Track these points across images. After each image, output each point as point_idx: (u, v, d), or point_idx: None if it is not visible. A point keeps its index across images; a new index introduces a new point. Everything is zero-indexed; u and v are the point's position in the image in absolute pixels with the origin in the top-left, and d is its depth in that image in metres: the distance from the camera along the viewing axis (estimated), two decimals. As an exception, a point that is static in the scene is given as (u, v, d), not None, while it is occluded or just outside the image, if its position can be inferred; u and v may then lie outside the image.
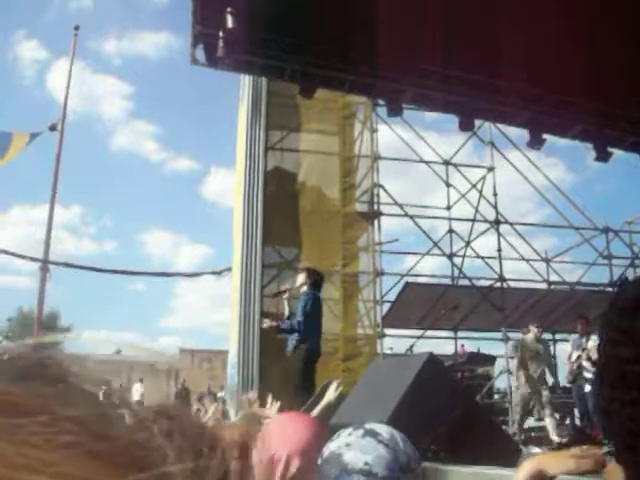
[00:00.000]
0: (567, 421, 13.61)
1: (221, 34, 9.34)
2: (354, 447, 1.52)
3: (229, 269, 15.88)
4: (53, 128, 18.37)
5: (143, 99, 74.77)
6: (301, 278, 8.45)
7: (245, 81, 13.74)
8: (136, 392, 23.04)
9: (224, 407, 13.37)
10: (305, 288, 8.26)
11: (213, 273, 20.84)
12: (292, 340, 8.09)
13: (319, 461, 1.57)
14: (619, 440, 0.65)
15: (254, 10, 9.38)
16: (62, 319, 41.65)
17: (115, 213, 71.29)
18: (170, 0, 63.06)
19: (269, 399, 4.50)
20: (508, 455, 3.43)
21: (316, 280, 8.41)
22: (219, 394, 17.87)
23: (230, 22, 8.98)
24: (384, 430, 1.58)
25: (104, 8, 70.11)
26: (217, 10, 9.08)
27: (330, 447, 1.56)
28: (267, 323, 8.94)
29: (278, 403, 4.43)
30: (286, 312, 8.53)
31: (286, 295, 8.84)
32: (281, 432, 1.87)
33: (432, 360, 3.24)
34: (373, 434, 1.54)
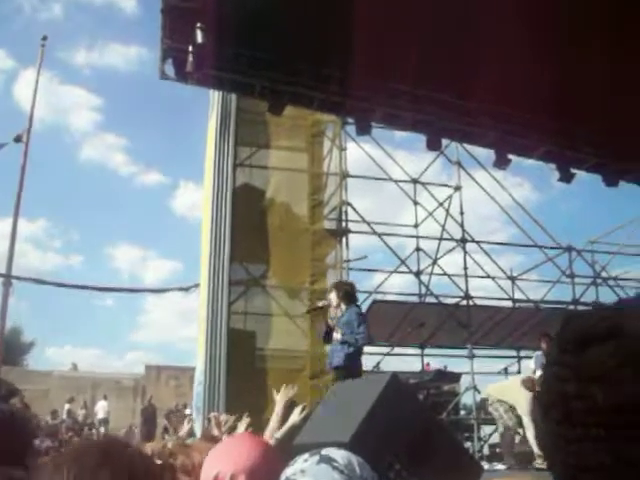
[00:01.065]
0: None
1: (190, 49, 9.34)
2: (308, 473, 1.52)
3: (197, 285, 15.80)
4: (18, 139, 18.06)
5: (112, 111, 74.09)
6: (333, 297, 7.85)
7: (214, 96, 13.73)
8: (101, 409, 22.69)
9: (191, 425, 13.25)
10: (343, 305, 7.68)
11: (180, 289, 20.71)
12: (340, 354, 7.46)
13: None
14: (562, 475, 0.66)
15: (224, 25, 9.40)
16: (25, 334, 41.05)
17: (82, 227, 70.24)
18: (141, 13, 62.68)
19: (244, 418, 4.48)
20: (470, 474, 3.46)
21: (347, 292, 7.89)
22: (187, 411, 17.70)
23: (200, 37, 8.98)
24: (340, 456, 1.58)
25: (74, 19, 69.37)
26: (187, 25, 9.07)
27: (286, 472, 1.56)
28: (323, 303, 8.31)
29: (246, 421, 4.42)
30: (324, 327, 7.96)
31: (318, 310, 8.68)
32: (227, 453, 1.87)
33: (395, 380, 3.26)
34: (328, 460, 1.54)
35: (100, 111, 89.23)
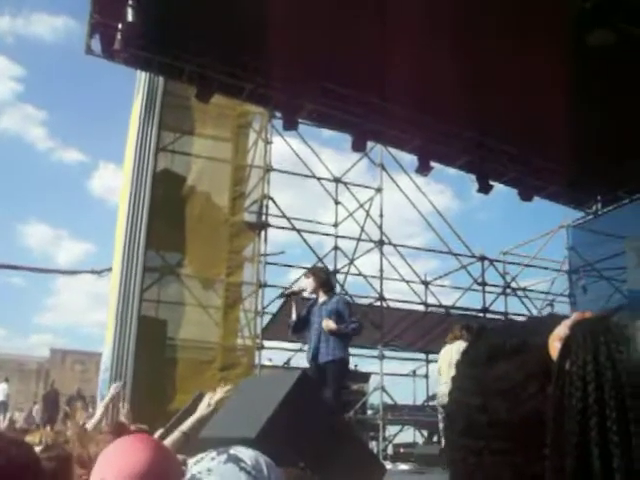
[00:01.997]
0: (435, 438, 14.02)
1: (120, 27, 9.11)
2: (215, 473, 1.50)
3: (110, 269, 15.45)
4: None
5: (34, 83, 71.57)
6: (309, 283, 7.23)
7: (141, 77, 13.43)
8: (0, 392, 21.91)
9: (93, 412, 12.95)
10: (323, 293, 7.11)
11: (93, 272, 20.20)
12: (333, 345, 6.82)
13: None
14: None
15: (156, 6, 9.22)
16: None
17: (-8, 200, 67.76)
18: (71, -18, 60.77)
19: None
20: (373, 474, 3.50)
21: (326, 278, 7.39)
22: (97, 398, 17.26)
23: (130, 16, 8.77)
24: (248, 456, 1.56)
25: (-2, -16, 66.74)
26: (118, 1, 8.85)
27: (192, 470, 1.53)
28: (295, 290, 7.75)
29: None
30: (293, 316, 7.27)
31: (298, 295, 7.68)
32: (114, 457, 1.83)
33: (304, 378, 3.26)
34: (236, 460, 1.53)
35: (21, 81, 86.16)
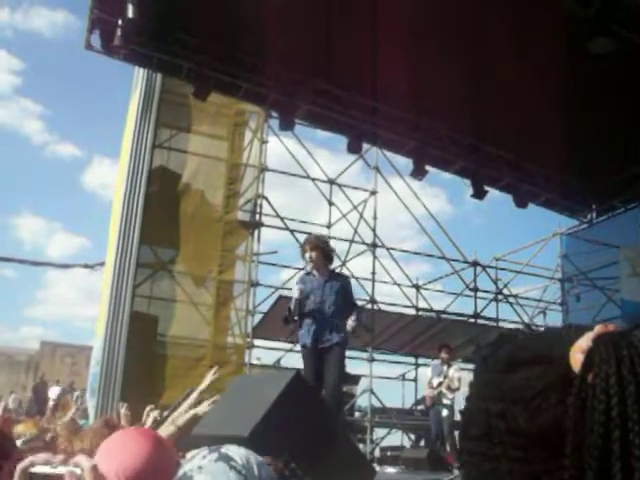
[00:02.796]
0: (422, 442, 14.04)
1: (120, 23, 9.11)
2: (205, 471, 1.51)
3: (102, 263, 15.40)
4: None
5: (32, 77, 71.33)
6: (313, 258, 6.44)
7: (139, 73, 13.40)
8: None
9: (83, 406, 12.91)
10: (325, 268, 6.48)
11: (85, 266, 20.08)
12: (335, 331, 6.19)
13: None
14: None
15: (156, 3, 9.22)
16: None
17: (-14, 192, 67.52)
18: (71, -22, 60.69)
19: (148, 411, 4.38)
20: (363, 476, 3.50)
21: (330, 251, 6.71)
22: (76, 393, 17.20)
23: (131, 12, 8.78)
24: (239, 455, 1.57)
25: (-3, -23, 66.49)
26: (118, -2, 8.85)
27: (185, 468, 1.54)
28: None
29: (153, 415, 4.31)
30: (292, 307, 6.46)
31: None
32: (114, 450, 1.82)
33: (298, 378, 3.26)
34: (226, 459, 1.53)
35: (19, 75, 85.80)
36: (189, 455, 1.59)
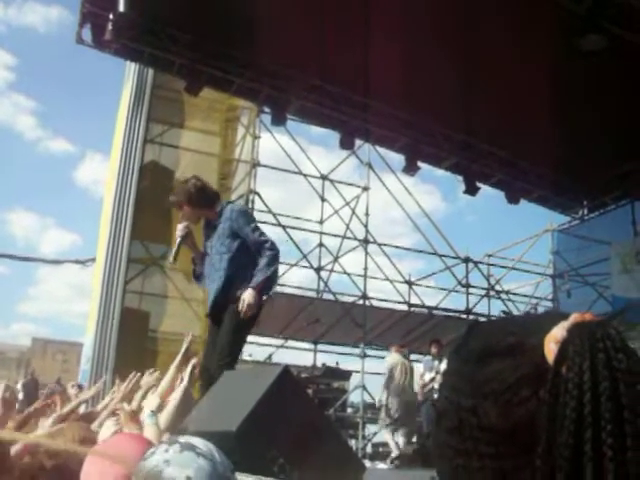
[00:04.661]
0: (414, 438, 14.04)
1: (111, 17, 9.06)
2: (173, 462, 1.49)
3: (94, 259, 15.36)
4: None
5: (26, 72, 71.14)
6: (187, 212, 4.90)
7: (130, 68, 13.37)
8: (-21, 379, 21.79)
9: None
10: (206, 214, 4.92)
11: (76, 262, 19.99)
12: (232, 291, 4.67)
13: None
14: None
15: (148, -1, 9.18)
16: None
17: (-24, 187, 67.22)
18: (63, -27, 60.46)
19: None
20: (352, 472, 3.49)
21: (202, 193, 4.87)
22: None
23: (122, 6, 8.73)
24: (200, 443, 1.57)
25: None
26: (109, -8, 8.80)
27: (147, 465, 1.52)
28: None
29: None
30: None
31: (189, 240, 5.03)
32: (109, 457, 1.81)
33: (286, 373, 3.25)
34: (190, 447, 1.53)
35: (13, 70, 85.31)
36: (147, 454, 1.57)
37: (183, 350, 4.38)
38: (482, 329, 0.67)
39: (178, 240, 4.95)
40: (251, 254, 4.68)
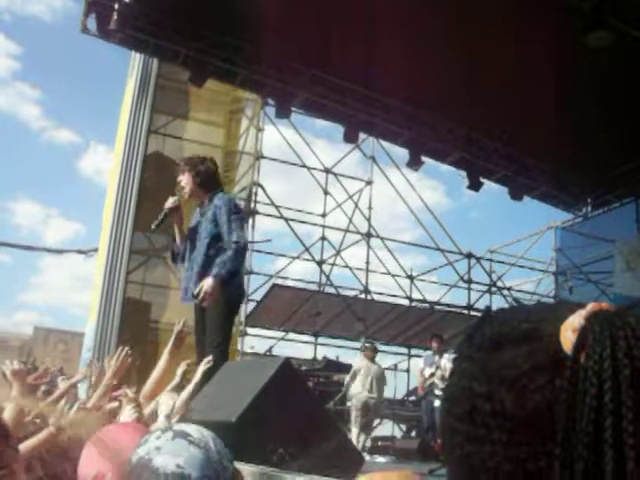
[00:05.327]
0: (413, 433, 14.06)
1: (116, 6, 9.05)
2: (164, 450, 1.48)
3: (96, 249, 15.35)
4: None
5: (31, 61, 70.78)
6: (186, 179, 4.97)
7: (135, 58, 13.33)
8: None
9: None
10: (199, 191, 4.97)
11: (79, 252, 20.00)
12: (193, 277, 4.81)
13: (127, 469, 1.51)
14: (458, 473, 0.64)
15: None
16: None
17: (-19, 176, 67.15)
18: (70, -38, 60.24)
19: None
20: (351, 464, 3.49)
21: (208, 172, 4.99)
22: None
23: (127, -4, 8.73)
24: (194, 430, 1.56)
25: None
26: (115, -19, 8.79)
27: (139, 453, 1.51)
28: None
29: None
30: (176, 239, 5.22)
31: (177, 217, 5.16)
32: (107, 448, 1.80)
33: (287, 365, 3.25)
34: (183, 435, 1.52)
35: (17, 59, 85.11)
36: (140, 441, 1.56)
37: (174, 336, 4.43)
38: (496, 317, 0.66)
39: (165, 211, 5.01)
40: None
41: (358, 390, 10.24)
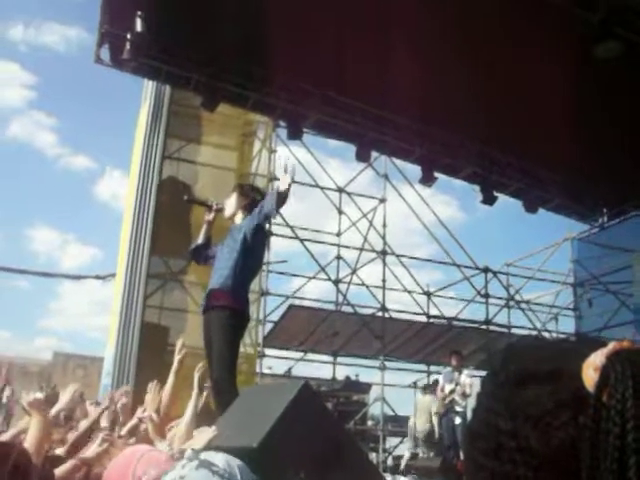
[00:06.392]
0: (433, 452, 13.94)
1: (129, 36, 9.16)
2: (188, 479, 1.49)
3: (113, 275, 15.43)
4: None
5: (46, 91, 71.46)
6: (232, 200, 5.39)
7: (148, 85, 13.48)
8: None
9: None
10: (240, 215, 5.30)
11: (97, 277, 20.14)
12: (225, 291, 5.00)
13: None
14: None
15: (164, 17, 9.26)
16: None
17: (1, 204, 67.60)
18: (85, -6, 60.88)
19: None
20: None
21: (254, 200, 5.35)
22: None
23: (139, 26, 8.83)
24: (220, 460, 1.55)
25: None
26: (127, 12, 8.91)
27: (165, 479, 1.52)
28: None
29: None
30: (201, 237, 5.63)
31: (211, 216, 5.57)
32: (127, 467, 1.81)
33: (306, 388, 3.24)
34: (207, 465, 1.52)
35: (33, 89, 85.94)
36: (168, 469, 1.57)
37: (177, 356, 4.64)
38: (518, 353, 0.67)
39: (209, 203, 5.57)
40: (253, 259, 5.18)
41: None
